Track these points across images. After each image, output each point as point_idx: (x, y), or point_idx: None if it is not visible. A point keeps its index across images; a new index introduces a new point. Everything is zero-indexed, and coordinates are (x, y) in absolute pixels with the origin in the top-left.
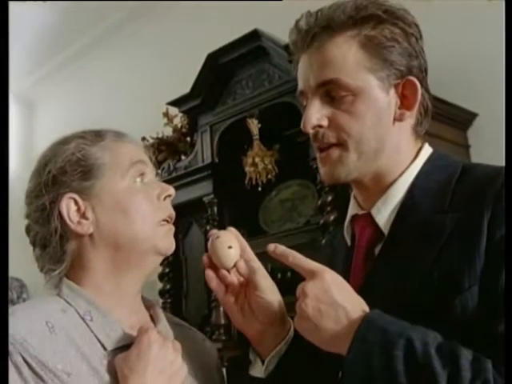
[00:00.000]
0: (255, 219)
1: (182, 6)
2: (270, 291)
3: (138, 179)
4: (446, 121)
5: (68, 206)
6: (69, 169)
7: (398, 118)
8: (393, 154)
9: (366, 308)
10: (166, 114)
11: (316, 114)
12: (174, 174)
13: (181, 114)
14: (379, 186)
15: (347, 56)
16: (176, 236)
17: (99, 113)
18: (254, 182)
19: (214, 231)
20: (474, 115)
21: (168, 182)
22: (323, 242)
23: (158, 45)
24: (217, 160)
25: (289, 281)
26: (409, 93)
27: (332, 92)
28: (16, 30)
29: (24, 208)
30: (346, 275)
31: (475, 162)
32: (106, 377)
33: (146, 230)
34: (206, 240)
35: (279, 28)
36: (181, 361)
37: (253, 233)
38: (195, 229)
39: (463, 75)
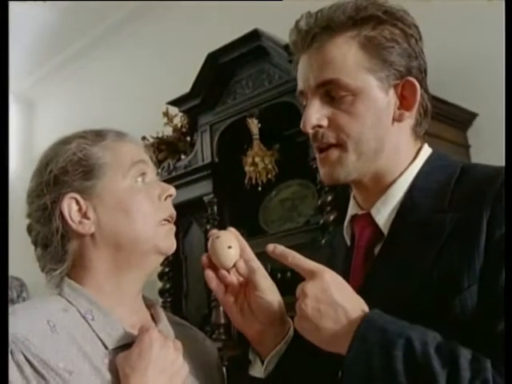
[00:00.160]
0: (255, 219)
1: (182, 6)
2: (269, 291)
3: (139, 179)
4: (445, 121)
5: (69, 206)
6: (70, 168)
7: (398, 119)
8: (392, 155)
9: (366, 308)
10: (166, 114)
11: (316, 114)
12: (173, 174)
13: (181, 114)
14: (379, 186)
15: (347, 56)
16: (176, 235)
17: (99, 112)
18: (253, 182)
19: (214, 231)
20: (473, 115)
21: (168, 181)
22: (323, 241)
23: (157, 44)
24: (217, 159)
25: (288, 281)
26: (408, 93)
27: (332, 92)
28: (16, 29)
29: (25, 207)
30: (346, 275)
31: (475, 163)
32: (108, 376)
33: (147, 230)
34: (206, 239)
35: (279, 28)
36: (182, 360)
37: (253, 232)
38: (195, 228)
39: (463, 75)
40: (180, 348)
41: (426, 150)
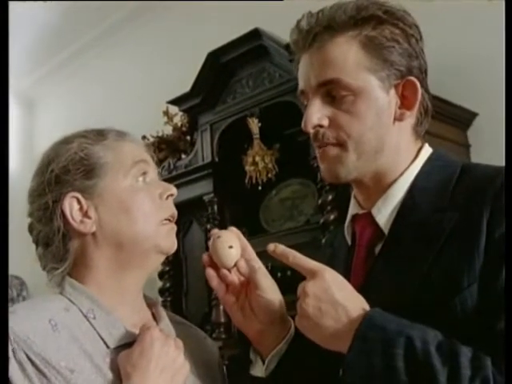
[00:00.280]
0: (255, 218)
1: (183, 5)
2: (270, 290)
3: (141, 178)
4: (446, 120)
5: (71, 205)
6: (71, 168)
7: (398, 118)
8: (393, 154)
9: (367, 307)
10: (166, 113)
11: (317, 114)
12: (174, 173)
13: (181, 113)
14: (379, 186)
15: (348, 56)
16: (176, 235)
17: (99, 112)
18: (254, 181)
19: (216, 231)
20: (474, 115)
21: (168, 180)
22: (323, 241)
23: (158, 44)
24: (217, 159)
25: (289, 279)
26: (409, 93)
27: (333, 92)
28: (17, 29)
29: (26, 206)
30: (347, 274)
31: (475, 162)
32: (109, 374)
33: (149, 229)
34: (207, 239)
35: (279, 28)
36: (183, 358)
37: (253, 232)
38: (195, 227)
39: (463, 75)
40: (181, 347)
41: (427, 150)
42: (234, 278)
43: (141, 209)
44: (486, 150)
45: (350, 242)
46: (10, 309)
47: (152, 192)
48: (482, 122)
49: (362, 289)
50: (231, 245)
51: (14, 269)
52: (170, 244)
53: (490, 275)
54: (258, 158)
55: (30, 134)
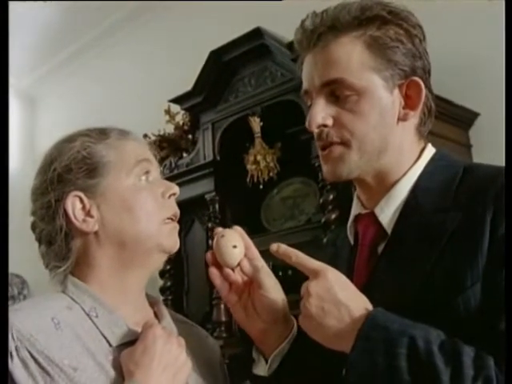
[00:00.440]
0: (257, 217)
1: (183, 5)
2: (273, 290)
3: (143, 177)
4: (447, 120)
5: (73, 204)
6: (74, 167)
7: (402, 118)
8: (396, 154)
9: (370, 306)
10: (167, 112)
11: (321, 113)
12: (175, 172)
13: (183, 112)
14: (382, 186)
15: (352, 56)
16: (178, 233)
17: (101, 111)
18: (255, 180)
19: (220, 229)
20: (475, 114)
21: (170, 179)
22: (325, 240)
23: (158, 43)
24: (218, 158)
25: (290, 279)
26: (413, 93)
27: (336, 91)
28: (17, 28)
29: (26, 205)
30: (350, 274)
31: (478, 162)
32: (112, 372)
33: (151, 228)
34: (208, 237)
35: (279, 28)
36: (185, 356)
37: (254, 230)
38: (197, 226)
39: (464, 75)
40: (183, 344)
41: (430, 150)
42: (238, 277)
43: (143, 208)
44: (488, 150)
45: (352, 242)
46: (14, 307)
47: (154, 191)
48: (484, 122)
49: (364, 288)
50: (235, 244)
51: (14, 267)
52: (173, 243)
53: (493, 275)
54: (259, 157)
55: (30, 133)
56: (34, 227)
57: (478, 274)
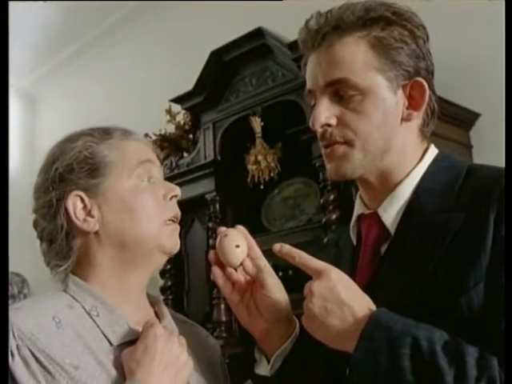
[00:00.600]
0: (257, 217)
1: (183, 5)
2: (276, 289)
3: (145, 178)
4: (448, 120)
5: (74, 204)
6: (76, 166)
7: (406, 119)
8: (399, 154)
9: (373, 306)
10: (168, 111)
11: (325, 113)
12: (176, 171)
13: (183, 111)
14: (385, 186)
15: (356, 56)
16: (179, 234)
17: (101, 110)
18: (256, 180)
19: (223, 229)
20: (476, 115)
21: (170, 178)
22: (325, 240)
23: (160, 42)
24: (219, 157)
25: (291, 278)
26: (416, 94)
27: (340, 91)
28: (18, 28)
29: (28, 204)
30: (352, 274)
31: (481, 163)
32: (113, 371)
33: (152, 230)
34: (208, 237)
35: (280, 27)
36: (186, 355)
37: (255, 230)
38: (197, 226)
39: (465, 75)
40: (184, 344)
41: (433, 151)
42: (240, 276)
43: (144, 209)
44: (489, 150)
45: (355, 242)
46: (15, 306)
47: (156, 192)
48: (485, 123)
49: (367, 288)
50: (238, 244)
51: (14, 266)
52: (173, 244)
53: (496, 275)
54: (260, 157)
55: (30, 132)
56: (35, 225)
57: (481, 274)
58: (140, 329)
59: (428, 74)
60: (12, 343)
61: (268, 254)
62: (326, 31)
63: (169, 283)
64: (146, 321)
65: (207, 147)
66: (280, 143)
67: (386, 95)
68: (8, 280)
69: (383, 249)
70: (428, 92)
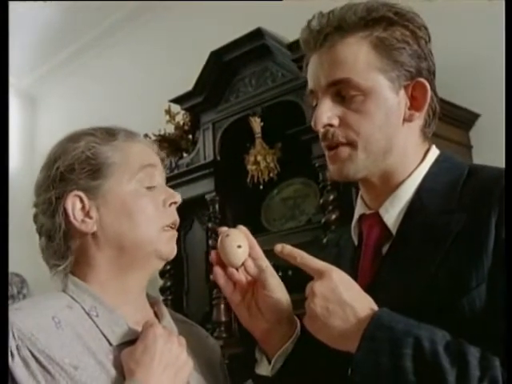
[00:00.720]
0: (257, 217)
1: (183, 5)
2: (277, 290)
3: (146, 183)
4: (448, 121)
5: (73, 204)
6: (77, 167)
7: (408, 119)
8: (401, 155)
9: (374, 306)
10: (168, 112)
11: (327, 113)
12: (175, 172)
13: (183, 112)
14: (387, 186)
15: (358, 56)
16: (177, 233)
17: (101, 110)
18: (255, 180)
19: (224, 229)
20: (476, 115)
21: (170, 179)
22: (325, 240)
23: (160, 42)
24: (219, 158)
25: (290, 279)
26: (418, 94)
27: (342, 92)
28: (18, 28)
29: (26, 203)
30: (354, 274)
31: (482, 164)
32: (113, 371)
33: (150, 235)
34: (208, 237)
35: (279, 28)
36: (186, 355)
37: (254, 231)
38: (197, 226)
39: (465, 75)
40: (184, 344)
41: (434, 152)
42: (242, 276)
43: (143, 213)
44: (488, 150)
45: (356, 242)
46: (14, 306)
47: (156, 198)
48: (484, 123)
49: (369, 289)
50: (240, 244)
51: (14, 266)
52: (170, 250)
53: (498, 276)
54: (259, 157)
55: (30, 132)
56: (35, 219)
57: (483, 275)
58: (139, 329)
59: (430, 74)
60: (12, 343)
61: (268, 254)
62: (328, 31)
63: (168, 283)
64: (145, 321)
65: (207, 147)
66: (279, 143)
67: (388, 95)
68: (8, 280)
69: (385, 249)
70: (430, 92)
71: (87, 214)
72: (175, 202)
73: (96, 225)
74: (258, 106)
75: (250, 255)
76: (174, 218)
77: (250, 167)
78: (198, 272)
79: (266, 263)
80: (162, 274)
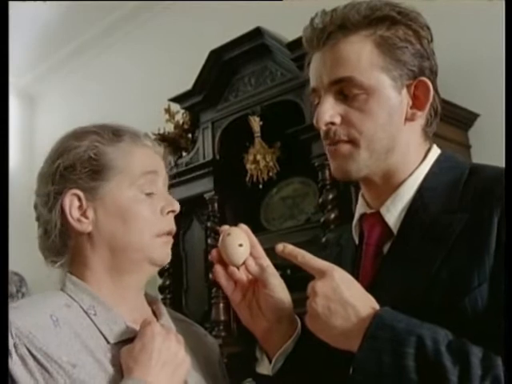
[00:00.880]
0: (256, 216)
1: (183, 5)
2: (278, 289)
3: (146, 189)
4: (447, 120)
5: (71, 202)
6: (78, 166)
7: (410, 118)
8: (403, 154)
9: (376, 305)
10: (167, 111)
11: (329, 111)
12: (175, 171)
13: (182, 111)
14: (388, 185)
15: (361, 55)
16: (177, 232)
17: (100, 109)
18: (255, 180)
19: (226, 227)
20: (475, 115)
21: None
22: (323, 239)
23: (160, 41)
24: (218, 157)
25: (289, 278)
26: (421, 93)
27: (345, 90)
28: (17, 28)
29: (25, 202)
30: (355, 273)
31: (483, 164)
32: (111, 369)
33: (142, 242)
34: (207, 236)
35: (279, 27)
36: (184, 353)
37: (254, 230)
38: (196, 225)
39: (464, 75)
40: (182, 341)
41: (435, 151)
42: (242, 275)
43: (138, 220)
44: (487, 150)
45: (357, 241)
46: (13, 305)
47: (154, 205)
48: (484, 123)
49: (370, 288)
50: (241, 243)
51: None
52: (164, 256)
53: (500, 276)
54: (259, 157)
55: (30, 131)
56: (36, 206)
57: (485, 274)
58: (137, 327)
59: (432, 73)
60: (10, 342)
61: (267, 253)
62: (332, 30)
63: (167, 282)
64: (143, 319)
65: (206, 146)
66: (279, 143)
67: (390, 94)
68: (8, 279)
69: (386, 248)
70: (432, 92)
71: (84, 214)
72: (173, 211)
73: (92, 225)
74: (257, 105)
75: (251, 254)
76: (171, 226)
77: (250, 166)
78: (197, 271)
79: (267, 262)
80: (161, 272)
